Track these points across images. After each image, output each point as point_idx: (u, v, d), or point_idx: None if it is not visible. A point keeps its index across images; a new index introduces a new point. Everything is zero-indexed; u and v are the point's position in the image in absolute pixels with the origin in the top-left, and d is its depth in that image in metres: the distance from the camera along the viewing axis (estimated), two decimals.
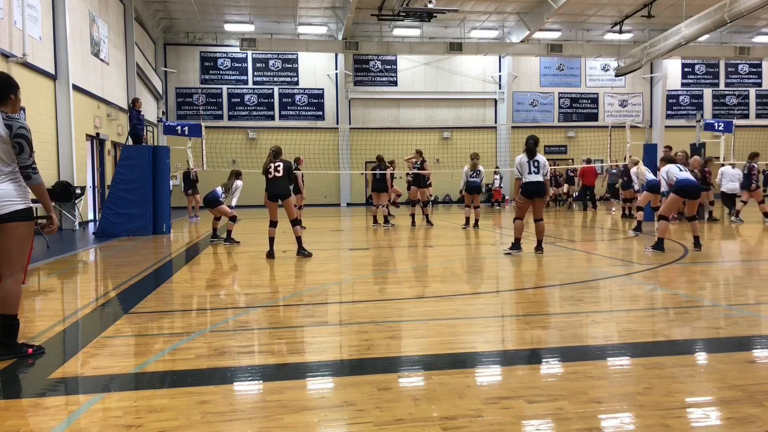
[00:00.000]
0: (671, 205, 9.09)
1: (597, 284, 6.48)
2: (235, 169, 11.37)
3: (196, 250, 10.12)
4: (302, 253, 8.74)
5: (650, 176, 12.42)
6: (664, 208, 9.14)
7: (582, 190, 21.48)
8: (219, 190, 11.00)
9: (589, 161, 21.55)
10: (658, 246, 8.79)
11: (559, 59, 29.58)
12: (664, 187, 9.36)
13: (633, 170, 13.51)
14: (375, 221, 14.65)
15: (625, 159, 16.72)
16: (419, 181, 14.65)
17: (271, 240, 8.94)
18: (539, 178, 8.67)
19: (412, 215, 15.02)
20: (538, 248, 8.88)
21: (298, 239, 8.91)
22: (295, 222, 8.94)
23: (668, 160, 9.76)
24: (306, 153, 22.18)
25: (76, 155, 15.19)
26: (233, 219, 11.06)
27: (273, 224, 9.02)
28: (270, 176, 8.79)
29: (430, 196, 15.54)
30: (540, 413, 2.87)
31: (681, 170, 9.10)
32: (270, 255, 8.79)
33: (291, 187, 8.90)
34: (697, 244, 8.99)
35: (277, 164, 8.81)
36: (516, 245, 8.86)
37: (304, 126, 27.80)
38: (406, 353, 3.99)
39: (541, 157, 8.78)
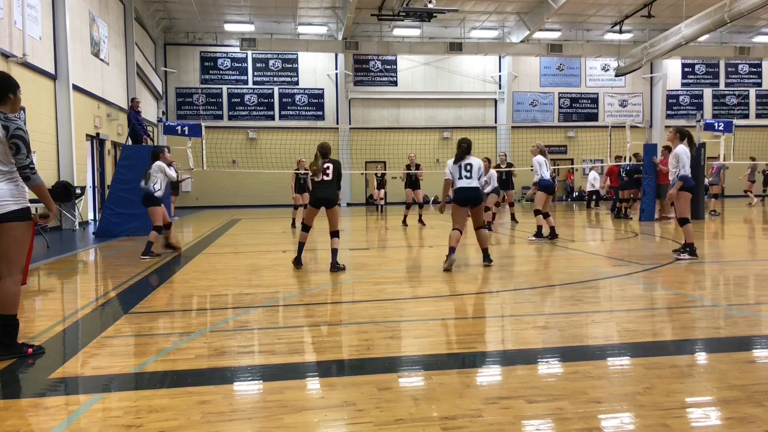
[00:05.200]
0: (687, 203, 8.07)
1: (597, 284, 6.48)
2: (154, 148, 9.89)
3: (196, 250, 10.12)
4: (337, 266, 7.53)
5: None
6: (682, 208, 8.08)
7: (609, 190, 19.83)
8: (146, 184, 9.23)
9: (618, 158, 19.77)
10: (691, 251, 8.03)
11: (559, 59, 29.58)
12: (681, 171, 7.96)
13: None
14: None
15: (625, 159, 16.73)
16: (416, 183, 15.03)
17: (301, 245, 7.90)
18: (473, 183, 7.65)
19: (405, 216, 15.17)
20: (486, 259, 7.79)
21: (335, 252, 7.66)
22: (336, 233, 7.74)
23: (685, 135, 8.25)
24: (306, 153, 22.14)
25: (76, 155, 15.19)
26: (158, 229, 9.10)
27: (306, 228, 7.91)
28: (318, 179, 7.66)
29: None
30: (540, 413, 2.87)
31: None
32: (297, 262, 7.83)
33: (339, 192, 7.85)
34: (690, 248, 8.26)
35: (326, 165, 7.63)
36: (450, 252, 7.53)
37: (304, 126, 27.79)
38: (406, 353, 3.98)
39: (475, 160, 7.76)
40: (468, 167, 7.70)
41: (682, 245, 8.28)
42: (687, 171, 8.01)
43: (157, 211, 9.07)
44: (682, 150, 8.08)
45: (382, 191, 21.93)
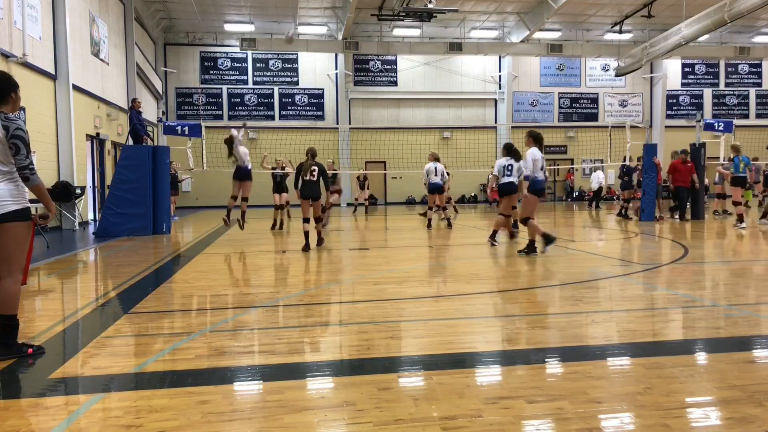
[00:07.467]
0: (531, 205, 8.76)
1: (597, 284, 6.48)
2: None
3: (196, 250, 10.12)
4: (321, 241, 10.04)
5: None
6: (526, 209, 8.81)
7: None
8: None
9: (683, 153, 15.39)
10: (530, 248, 8.69)
11: (559, 59, 29.58)
12: (528, 172, 8.68)
13: None
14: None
15: (624, 159, 16.74)
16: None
17: (306, 234, 9.62)
18: (512, 178, 9.47)
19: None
20: (492, 237, 9.96)
21: (319, 233, 10.05)
22: (319, 219, 10.01)
23: (535, 137, 8.78)
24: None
25: (76, 155, 15.19)
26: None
27: (306, 221, 9.67)
28: (306, 177, 9.57)
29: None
30: (540, 413, 2.87)
31: (542, 168, 8.70)
32: (306, 248, 9.52)
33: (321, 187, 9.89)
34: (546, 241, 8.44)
35: (313, 168, 9.59)
36: (492, 237, 10.00)
37: (304, 126, 27.79)
38: (406, 353, 3.98)
39: (514, 162, 9.47)
40: (509, 167, 9.47)
41: (528, 244, 8.80)
42: (537, 174, 8.61)
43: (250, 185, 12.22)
44: (531, 153, 8.68)
45: (366, 192, 21.74)
